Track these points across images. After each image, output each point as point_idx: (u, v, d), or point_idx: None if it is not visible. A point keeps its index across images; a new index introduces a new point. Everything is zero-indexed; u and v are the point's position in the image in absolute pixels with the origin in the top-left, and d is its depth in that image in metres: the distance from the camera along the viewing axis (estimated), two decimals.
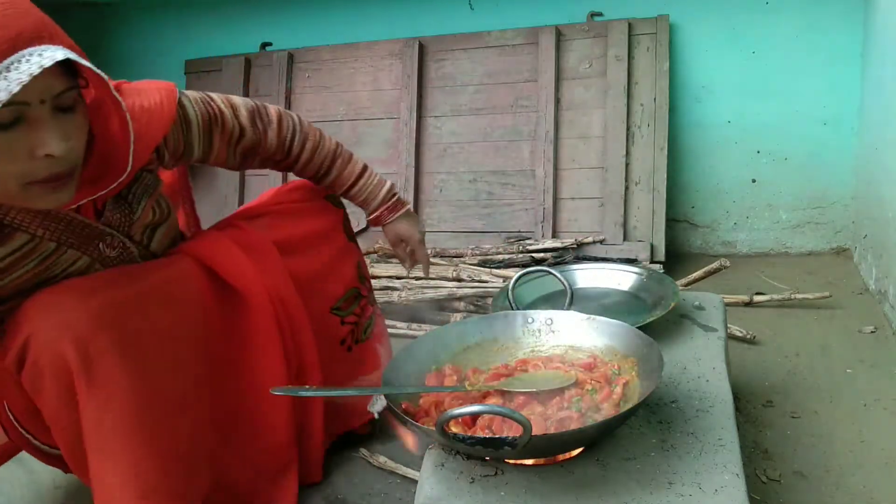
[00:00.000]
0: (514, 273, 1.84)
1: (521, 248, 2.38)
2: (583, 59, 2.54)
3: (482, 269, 2.22)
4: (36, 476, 1.38)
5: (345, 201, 1.42)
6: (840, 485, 1.25)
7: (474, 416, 0.94)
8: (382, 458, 1.37)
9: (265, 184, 2.73)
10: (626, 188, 2.44)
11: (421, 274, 1.71)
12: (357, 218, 2.74)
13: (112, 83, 0.92)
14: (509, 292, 1.28)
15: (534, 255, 2.35)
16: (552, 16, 2.60)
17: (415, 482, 1.20)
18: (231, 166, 1.25)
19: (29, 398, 0.98)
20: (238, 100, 1.22)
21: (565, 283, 1.29)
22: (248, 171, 2.82)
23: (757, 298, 2.06)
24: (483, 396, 1.00)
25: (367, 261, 2.40)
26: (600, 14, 2.55)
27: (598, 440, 0.95)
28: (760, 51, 2.47)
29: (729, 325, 1.52)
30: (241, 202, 2.80)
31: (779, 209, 2.58)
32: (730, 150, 2.57)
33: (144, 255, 1.14)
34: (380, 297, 2.12)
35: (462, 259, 2.40)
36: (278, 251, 1.22)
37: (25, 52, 0.78)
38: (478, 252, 2.42)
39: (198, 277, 1.14)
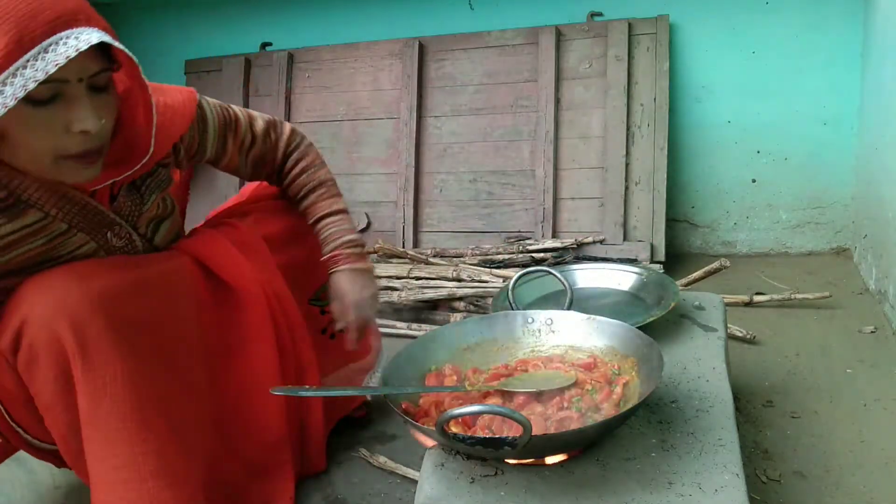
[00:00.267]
0: (514, 273, 1.83)
1: (521, 248, 2.38)
2: (583, 59, 2.54)
3: (482, 269, 2.22)
4: (36, 476, 1.38)
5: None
6: (840, 485, 1.25)
7: (474, 416, 0.94)
8: (382, 458, 1.37)
9: None
10: (626, 188, 2.44)
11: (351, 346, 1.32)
12: (357, 218, 2.74)
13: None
14: (509, 292, 1.28)
15: (534, 255, 2.35)
16: (552, 16, 2.60)
17: (415, 482, 1.20)
18: (243, 175, 1.29)
19: (23, 386, 0.98)
20: (256, 112, 1.27)
21: (565, 283, 1.29)
22: None
23: (757, 298, 2.06)
24: (483, 396, 1.00)
25: None
26: (600, 14, 2.55)
27: (598, 440, 0.95)
28: (760, 51, 2.47)
29: (729, 325, 1.52)
30: None
31: (779, 209, 2.58)
32: (730, 150, 2.57)
33: (148, 248, 1.16)
34: (380, 297, 2.12)
35: (462, 259, 2.40)
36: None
37: (63, 34, 0.83)
38: (478, 252, 2.42)
39: (193, 273, 1.15)
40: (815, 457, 1.33)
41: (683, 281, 2.10)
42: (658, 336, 1.19)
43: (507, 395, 0.99)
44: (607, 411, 0.95)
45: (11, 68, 0.81)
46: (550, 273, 1.36)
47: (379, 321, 2.06)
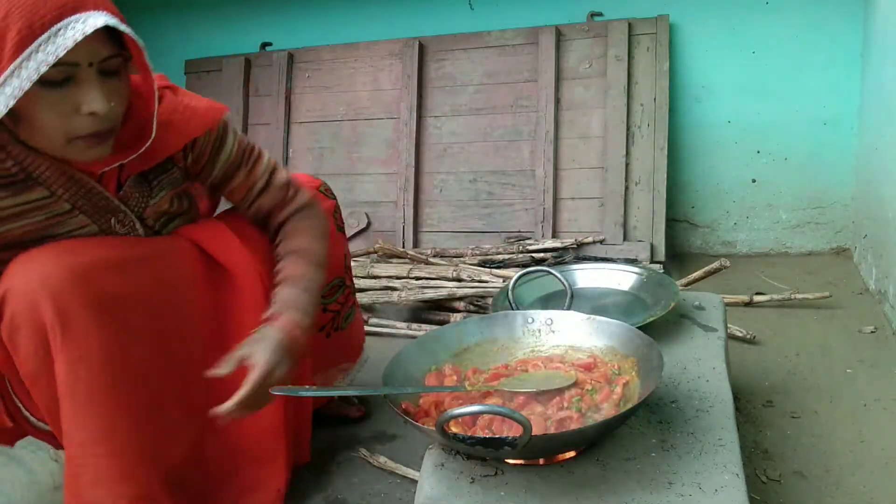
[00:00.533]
0: (514, 273, 1.84)
1: (521, 248, 2.38)
2: (583, 59, 2.54)
3: (482, 269, 2.22)
4: (36, 476, 1.38)
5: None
6: (840, 485, 1.25)
7: (474, 416, 0.94)
8: (382, 458, 1.37)
9: None
10: (626, 188, 2.44)
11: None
12: (357, 218, 2.75)
13: (166, 80, 1.10)
14: (509, 292, 1.28)
15: (534, 255, 2.35)
16: (552, 16, 2.60)
17: (415, 482, 1.20)
18: (243, 211, 1.26)
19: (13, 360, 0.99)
20: (282, 167, 1.27)
21: (565, 283, 1.29)
22: None
23: (757, 298, 2.06)
24: (483, 396, 1.00)
25: (367, 260, 2.41)
26: (600, 14, 2.55)
27: (598, 440, 0.95)
28: (760, 51, 2.47)
29: (729, 325, 1.52)
30: None
31: (779, 209, 2.58)
32: (730, 150, 2.57)
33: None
34: (380, 297, 2.12)
35: (462, 259, 2.40)
36: None
37: (72, 18, 0.87)
38: (478, 252, 2.42)
39: (190, 255, 1.16)
40: (815, 457, 1.33)
41: (683, 281, 2.10)
42: (658, 336, 1.19)
43: (507, 395, 0.99)
44: (607, 411, 0.95)
45: (26, 52, 0.86)
46: (550, 273, 1.36)
47: (379, 321, 2.07)
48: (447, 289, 2.09)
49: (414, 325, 2.05)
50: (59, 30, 0.86)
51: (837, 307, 2.03)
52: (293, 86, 2.85)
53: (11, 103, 0.87)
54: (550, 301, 1.39)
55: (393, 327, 2.05)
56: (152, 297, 1.06)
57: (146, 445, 1.03)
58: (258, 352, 1.03)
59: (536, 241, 2.43)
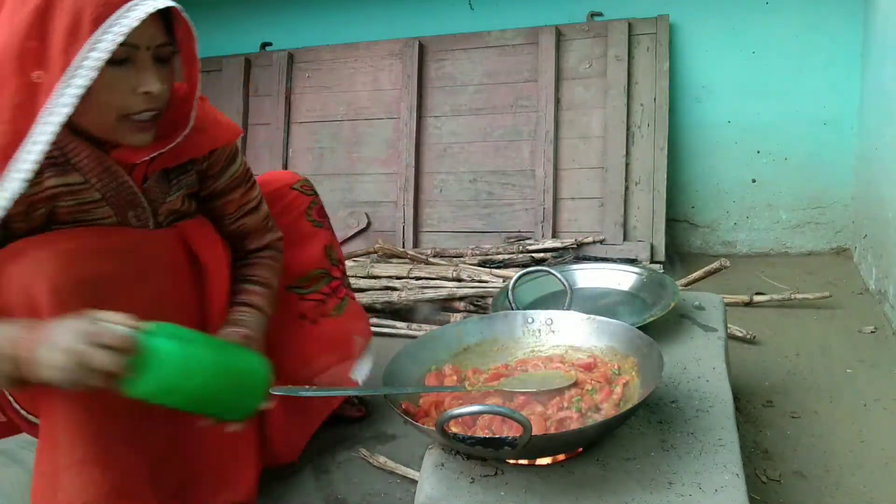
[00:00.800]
0: (514, 273, 1.84)
1: (521, 248, 2.38)
2: (583, 59, 2.54)
3: (482, 269, 2.22)
4: None
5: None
6: (840, 485, 1.25)
7: (474, 417, 0.94)
8: (382, 458, 1.37)
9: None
10: (626, 188, 2.44)
11: None
12: (357, 218, 2.74)
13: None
14: (509, 292, 1.28)
15: (534, 255, 2.35)
16: (552, 16, 2.61)
17: (415, 482, 1.20)
18: (222, 225, 1.29)
19: None
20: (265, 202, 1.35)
21: (565, 283, 1.29)
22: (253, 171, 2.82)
23: (757, 298, 2.06)
24: (483, 396, 1.00)
25: (367, 260, 2.41)
26: (600, 14, 2.55)
27: (598, 440, 0.95)
28: (760, 51, 2.47)
29: (729, 325, 1.53)
30: None
31: (779, 209, 2.58)
32: (730, 150, 2.57)
33: None
34: (380, 297, 2.12)
35: (462, 259, 2.40)
36: None
37: (136, 0, 0.95)
38: (478, 252, 2.42)
39: (175, 250, 1.18)
40: (815, 457, 1.33)
41: (683, 281, 2.10)
42: (658, 336, 1.19)
43: (507, 395, 0.99)
44: (607, 411, 0.95)
45: (99, 30, 0.92)
46: (550, 273, 1.36)
47: (379, 321, 2.07)
48: (447, 289, 2.09)
49: (414, 325, 2.05)
50: (129, 9, 0.94)
51: (837, 307, 2.03)
52: (293, 86, 2.85)
53: (94, 75, 0.91)
54: (550, 301, 1.39)
55: (393, 327, 2.05)
56: (130, 283, 1.07)
57: (125, 431, 1.03)
58: None
59: (536, 241, 2.43)
